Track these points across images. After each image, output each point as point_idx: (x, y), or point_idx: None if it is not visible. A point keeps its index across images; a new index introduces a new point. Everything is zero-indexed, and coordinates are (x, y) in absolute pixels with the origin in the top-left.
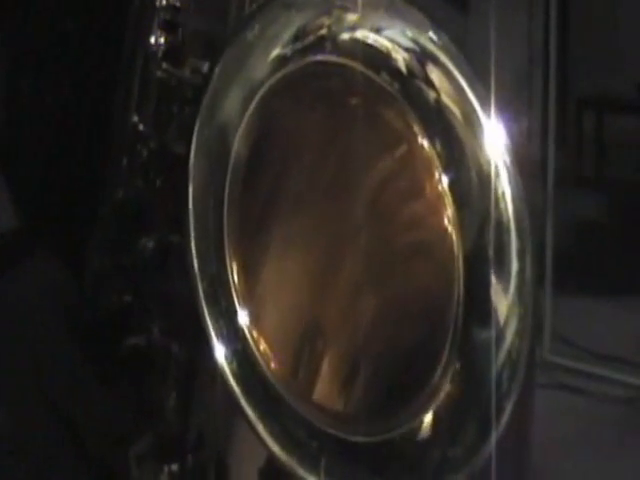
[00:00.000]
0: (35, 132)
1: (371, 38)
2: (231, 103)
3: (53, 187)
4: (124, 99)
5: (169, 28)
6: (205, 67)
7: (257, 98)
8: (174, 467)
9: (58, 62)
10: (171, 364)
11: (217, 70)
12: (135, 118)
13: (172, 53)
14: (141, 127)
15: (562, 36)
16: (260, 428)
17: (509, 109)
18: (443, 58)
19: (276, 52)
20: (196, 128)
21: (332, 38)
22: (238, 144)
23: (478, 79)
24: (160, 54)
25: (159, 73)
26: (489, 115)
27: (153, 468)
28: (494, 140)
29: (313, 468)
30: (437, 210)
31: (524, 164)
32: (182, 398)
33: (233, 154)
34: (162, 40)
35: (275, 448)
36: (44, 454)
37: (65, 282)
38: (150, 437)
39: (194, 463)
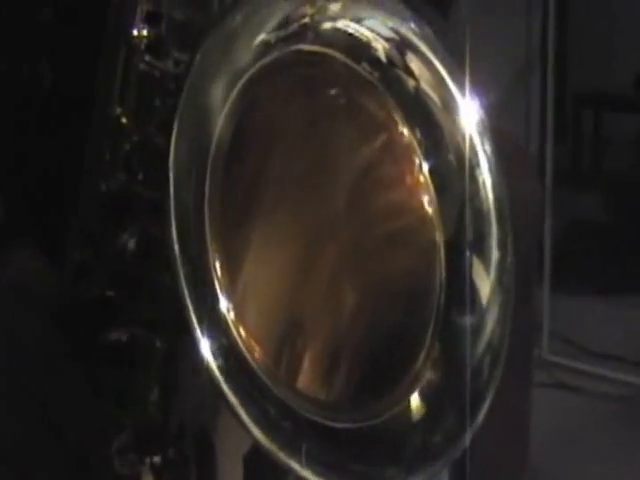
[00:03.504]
0: (16, 123)
1: (352, 28)
2: (213, 90)
3: (34, 179)
4: (106, 91)
5: (152, 20)
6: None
7: (239, 86)
8: (156, 459)
9: (40, 54)
10: (153, 358)
11: (199, 57)
12: (117, 110)
13: (155, 45)
14: (124, 120)
15: (560, 33)
16: (242, 414)
17: (506, 106)
18: (423, 47)
19: (260, 38)
20: (178, 114)
21: (314, 27)
22: (220, 132)
23: (458, 67)
24: (143, 46)
25: (142, 65)
26: (468, 103)
27: (134, 461)
28: (473, 127)
29: (294, 453)
30: (418, 197)
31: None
32: (164, 391)
33: (214, 142)
34: (145, 32)
35: (257, 433)
36: (23, 449)
37: (46, 275)
38: (131, 430)
39: (176, 455)
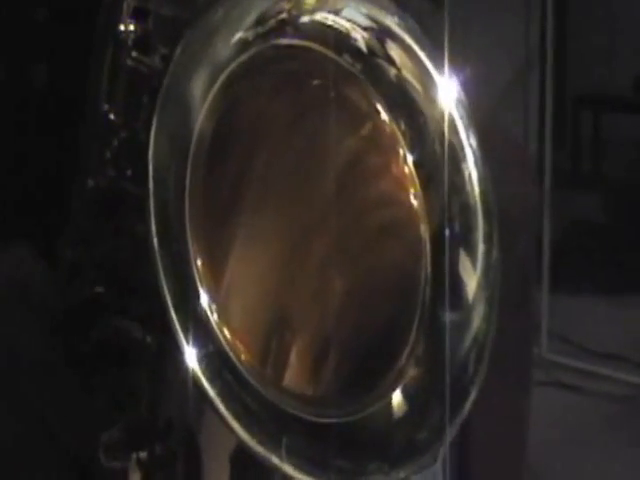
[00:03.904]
0: (6, 122)
1: (330, 19)
2: (194, 84)
3: (25, 177)
4: (94, 88)
5: (139, 15)
6: None
7: (220, 81)
8: (142, 454)
9: (29, 51)
10: (143, 355)
11: (179, 52)
12: (105, 107)
13: (142, 41)
14: (112, 116)
15: (559, 34)
16: (222, 409)
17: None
18: (401, 33)
19: (238, 36)
20: (158, 106)
21: (293, 21)
22: (201, 127)
23: (439, 53)
24: (130, 42)
25: (129, 61)
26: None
27: (122, 456)
28: (458, 118)
29: (277, 448)
30: (403, 189)
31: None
32: (154, 387)
33: (195, 137)
34: (132, 28)
35: (237, 428)
36: (14, 445)
37: (38, 273)
38: (121, 426)
39: (163, 450)
